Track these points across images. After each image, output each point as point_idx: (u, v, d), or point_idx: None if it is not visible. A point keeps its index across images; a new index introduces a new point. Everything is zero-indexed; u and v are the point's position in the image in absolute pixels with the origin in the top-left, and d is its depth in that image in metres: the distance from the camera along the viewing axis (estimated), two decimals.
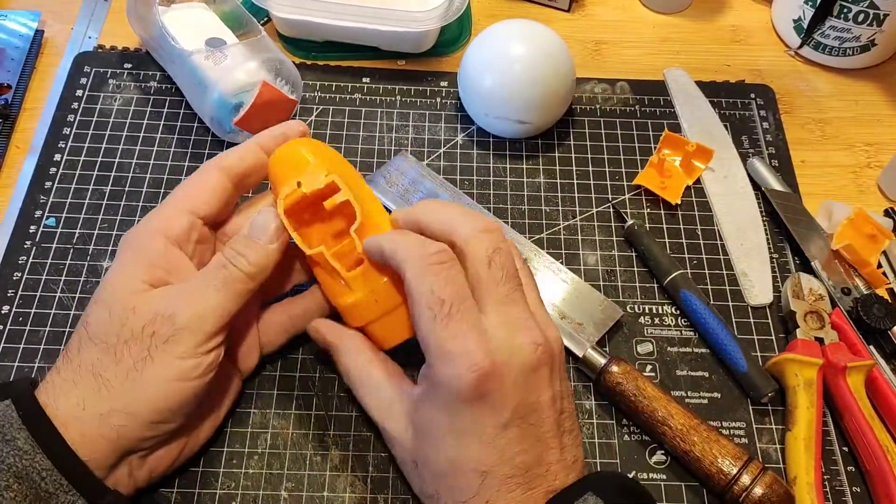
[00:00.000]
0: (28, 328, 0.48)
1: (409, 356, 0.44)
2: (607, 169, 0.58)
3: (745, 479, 0.42)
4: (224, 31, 0.58)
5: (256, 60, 0.54)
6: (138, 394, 0.37)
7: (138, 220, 0.52)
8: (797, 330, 0.49)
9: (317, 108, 0.60)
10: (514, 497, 0.37)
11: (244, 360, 0.45)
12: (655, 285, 0.52)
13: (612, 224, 0.55)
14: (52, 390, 0.38)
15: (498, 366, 0.36)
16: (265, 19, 0.64)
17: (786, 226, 0.54)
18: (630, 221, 0.54)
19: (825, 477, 0.46)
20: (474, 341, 0.36)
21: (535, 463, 0.37)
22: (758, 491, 0.42)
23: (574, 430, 0.40)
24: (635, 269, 0.53)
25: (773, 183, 0.56)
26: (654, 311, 0.51)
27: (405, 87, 0.61)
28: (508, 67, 0.54)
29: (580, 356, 0.48)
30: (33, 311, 0.48)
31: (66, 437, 0.36)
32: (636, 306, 0.51)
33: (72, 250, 0.52)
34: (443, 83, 0.62)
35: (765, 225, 0.55)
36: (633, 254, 0.54)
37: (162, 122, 0.58)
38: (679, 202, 0.55)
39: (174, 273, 0.40)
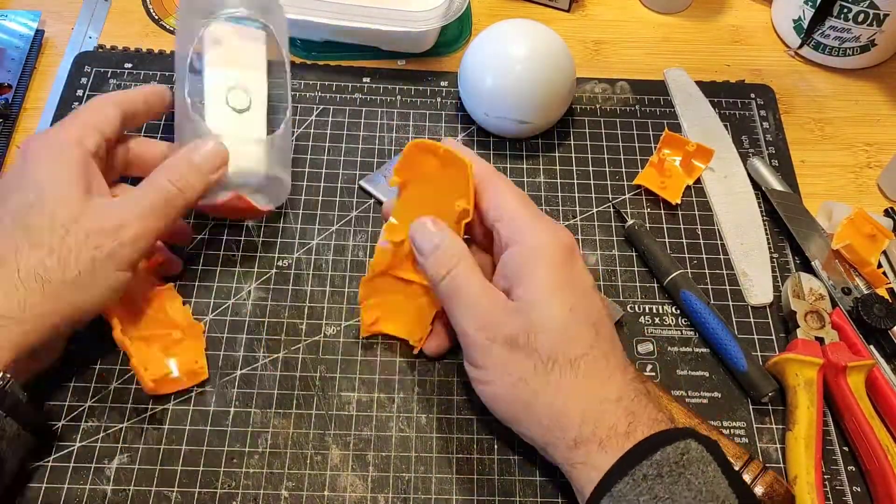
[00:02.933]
0: None
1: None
2: (607, 169, 0.58)
3: (746, 478, 0.42)
4: (258, 76, 0.52)
5: (249, 161, 0.48)
6: (84, 297, 0.41)
7: None
8: (797, 330, 0.49)
9: (317, 108, 0.60)
10: (619, 358, 0.40)
11: (49, 355, 0.46)
12: (655, 285, 0.52)
13: (613, 224, 0.55)
14: None
15: (572, 240, 0.43)
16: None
17: (786, 226, 0.54)
18: (630, 221, 0.54)
19: (825, 476, 0.45)
20: (554, 224, 0.43)
21: (607, 321, 0.42)
22: (759, 490, 0.42)
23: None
24: (635, 268, 0.53)
25: (774, 183, 0.56)
26: (655, 310, 0.51)
27: (405, 87, 0.61)
28: (509, 67, 0.54)
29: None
30: None
31: (3, 340, 0.38)
32: (636, 306, 0.51)
33: None
34: (443, 83, 0.62)
35: (765, 225, 0.55)
36: (633, 254, 0.54)
37: (162, 122, 0.58)
38: (679, 202, 0.55)
39: (95, 184, 0.43)
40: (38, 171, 0.42)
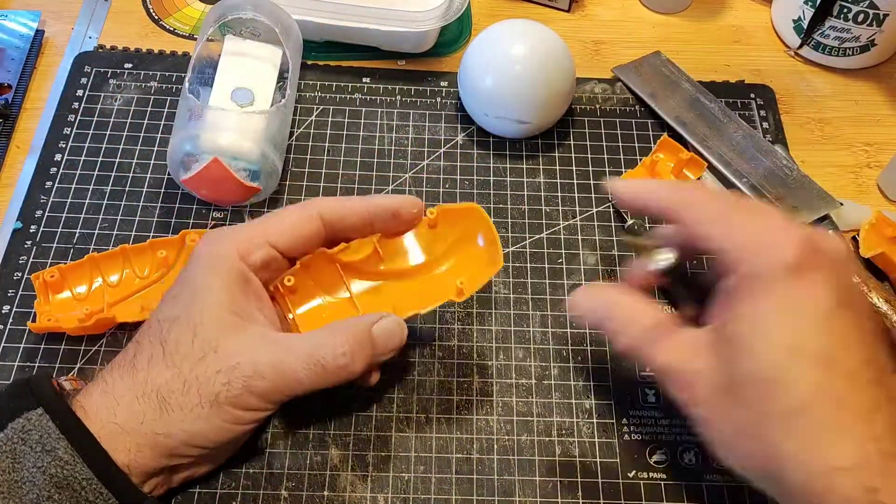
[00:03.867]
0: (28, 326, 0.48)
1: None
2: (607, 169, 0.58)
3: None
4: (267, 84, 0.54)
5: (242, 136, 0.50)
6: (196, 427, 0.38)
7: (138, 221, 0.53)
8: None
9: (317, 108, 0.60)
10: (870, 395, 0.31)
11: None
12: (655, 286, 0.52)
13: (612, 224, 0.55)
14: (112, 395, 0.38)
15: (811, 240, 0.34)
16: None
17: None
18: (630, 221, 0.54)
19: None
20: (780, 220, 0.34)
21: (871, 361, 0.32)
22: None
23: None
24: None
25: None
26: None
27: (405, 87, 0.61)
28: (508, 67, 0.54)
29: None
30: (34, 310, 0.48)
31: (114, 443, 0.37)
32: None
33: (72, 250, 0.52)
34: (443, 83, 0.62)
35: None
36: (633, 254, 0.54)
37: (162, 122, 0.58)
38: None
39: (255, 305, 0.40)
40: (194, 278, 0.40)
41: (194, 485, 0.43)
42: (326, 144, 0.58)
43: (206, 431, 0.38)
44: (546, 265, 0.53)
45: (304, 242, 0.42)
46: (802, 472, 0.31)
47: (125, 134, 0.57)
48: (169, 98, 0.59)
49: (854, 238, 0.54)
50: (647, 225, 0.55)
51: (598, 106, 0.61)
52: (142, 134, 0.57)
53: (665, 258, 0.38)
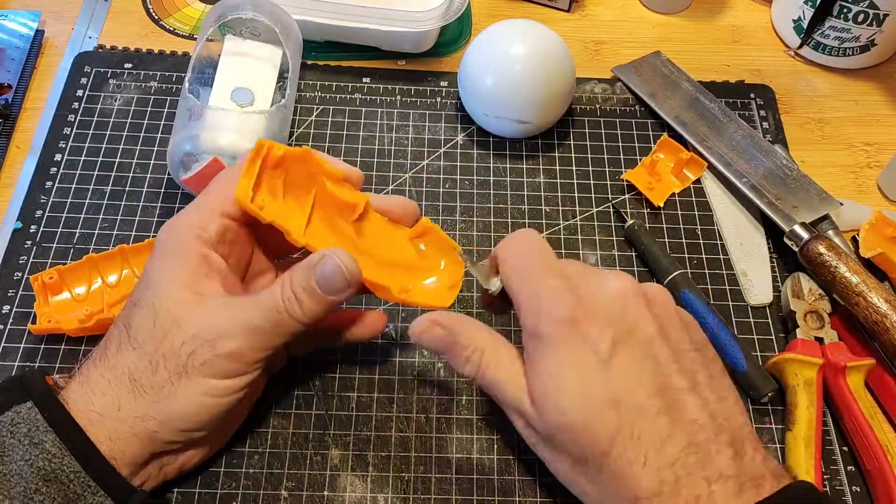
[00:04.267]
0: (28, 328, 0.48)
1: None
2: (607, 169, 0.58)
3: None
4: (267, 85, 0.54)
5: (242, 135, 0.50)
6: (171, 405, 0.38)
7: (138, 221, 0.53)
8: (797, 329, 0.49)
9: (317, 108, 0.60)
10: (660, 426, 0.34)
11: (272, 363, 0.44)
12: None
13: (612, 224, 0.55)
14: (88, 385, 0.38)
15: (584, 297, 0.36)
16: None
17: None
18: (630, 221, 0.54)
19: (825, 476, 0.46)
20: (557, 279, 0.37)
21: (664, 388, 0.35)
22: None
23: (716, 387, 0.36)
24: (635, 268, 0.53)
25: None
26: None
27: (405, 87, 0.61)
28: (508, 67, 0.54)
29: (786, 230, 0.52)
30: (34, 310, 0.48)
31: (96, 433, 0.37)
32: None
33: (72, 250, 0.52)
34: (443, 83, 0.62)
35: (765, 225, 0.55)
36: (634, 253, 0.54)
37: (162, 122, 0.58)
38: (662, 205, 0.55)
39: (213, 277, 0.40)
40: (154, 266, 0.40)
41: (194, 485, 0.43)
42: (326, 144, 0.58)
43: (184, 409, 0.38)
44: None
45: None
46: None
47: (125, 134, 0.57)
48: (169, 98, 0.59)
49: (854, 238, 0.54)
50: (647, 226, 0.55)
51: (598, 106, 0.61)
52: (142, 134, 0.57)
53: (496, 284, 0.41)
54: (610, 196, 0.56)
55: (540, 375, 0.36)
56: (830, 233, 0.53)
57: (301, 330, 0.39)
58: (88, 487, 0.36)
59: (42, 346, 0.48)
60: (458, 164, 0.57)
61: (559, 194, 0.56)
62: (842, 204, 0.55)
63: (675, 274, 0.51)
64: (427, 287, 0.44)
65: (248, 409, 0.44)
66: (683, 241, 0.54)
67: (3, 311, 0.49)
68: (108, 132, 0.57)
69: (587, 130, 0.60)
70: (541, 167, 0.58)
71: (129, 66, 0.61)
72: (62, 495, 0.35)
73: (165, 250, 0.40)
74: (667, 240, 0.54)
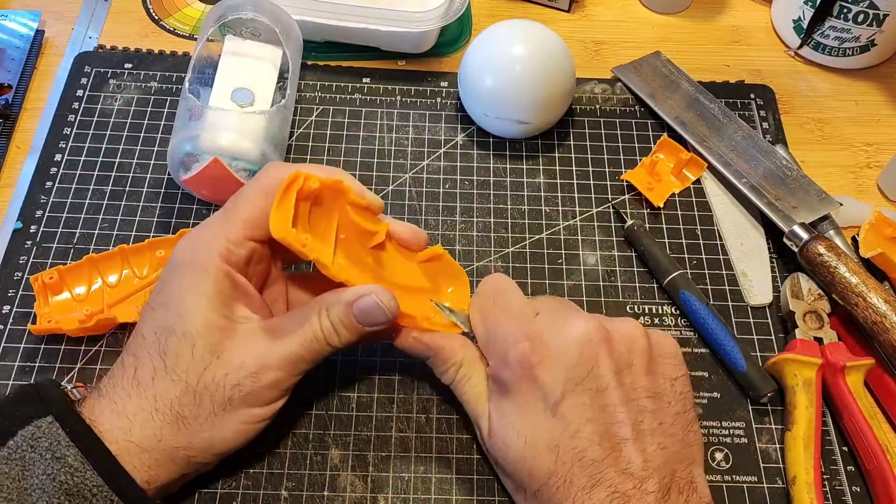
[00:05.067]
0: (28, 328, 0.48)
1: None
2: (607, 169, 0.58)
3: None
4: (267, 85, 0.54)
5: (242, 136, 0.50)
6: (214, 434, 0.39)
7: (138, 221, 0.53)
8: (796, 330, 0.49)
9: (317, 108, 0.60)
10: (591, 473, 0.37)
11: None
12: (655, 285, 0.52)
13: (612, 224, 0.55)
14: (124, 416, 0.38)
15: (544, 341, 0.39)
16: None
17: None
18: (630, 222, 0.54)
19: (825, 477, 0.46)
20: (515, 323, 0.40)
21: (605, 435, 0.37)
22: None
23: (660, 434, 0.38)
24: (635, 268, 0.53)
25: None
26: (654, 311, 0.51)
27: (405, 87, 0.61)
28: (508, 67, 0.54)
29: (786, 231, 0.52)
30: (34, 310, 0.48)
31: (131, 461, 0.37)
32: (636, 306, 0.52)
33: (72, 250, 0.52)
34: (443, 83, 0.62)
35: (765, 225, 0.55)
36: (633, 254, 0.54)
37: (162, 122, 0.58)
38: (662, 206, 0.55)
39: (240, 299, 0.40)
40: (181, 288, 0.40)
41: (194, 485, 0.43)
42: (326, 144, 0.58)
43: (225, 436, 0.39)
44: (546, 265, 0.53)
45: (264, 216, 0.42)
46: None
47: (125, 134, 0.57)
48: (169, 98, 0.59)
49: (854, 238, 0.54)
50: (647, 226, 0.55)
51: (598, 106, 0.61)
52: (142, 134, 0.57)
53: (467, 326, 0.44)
54: (610, 196, 0.56)
55: (496, 408, 0.40)
56: (831, 232, 0.53)
57: (330, 353, 0.41)
58: (111, 502, 0.36)
59: (42, 346, 0.48)
60: (458, 164, 0.57)
61: (559, 194, 0.56)
62: (841, 204, 0.55)
63: (674, 274, 0.51)
64: (434, 316, 0.44)
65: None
66: (683, 241, 0.54)
67: (3, 311, 0.49)
68: (108, 132, 0.57)
69: (587, 130, 0.60)
70: (541, 167, 0.58)
71: (129, 66, 0.61)
72: None
73: (190, 270, 0.40)
74: (666, 240, 0.54)
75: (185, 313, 0.39)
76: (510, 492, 0.42)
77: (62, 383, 0.40)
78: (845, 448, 0.47)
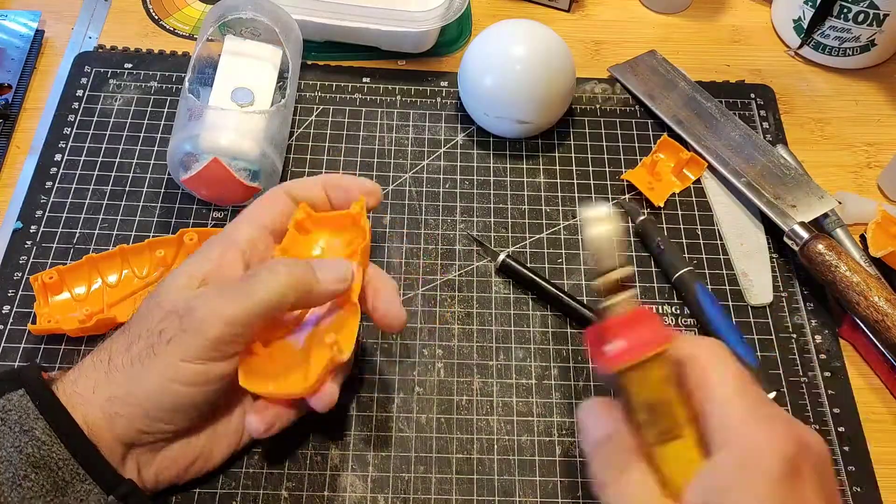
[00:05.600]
0: (28, 328, 0.48)
1: None
2: (607, 169, 0.58)
3: None
4: (267, 85, 0.55)
5: (242, 136, 0.50)
6: (136, 386, 0.38)
7: (138, 221, 0.53)
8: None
9: (317, 108, 0.60)
10: None
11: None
12: (656, 284, 0.52)
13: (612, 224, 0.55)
14: (80, 369, 0.39)
15: (805, 442, 0.32)
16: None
17: None
18: (643, 216, 0.54)
19: None
20: (782, 417, 0.33)
21: None
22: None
23: None
24: (635, 267, 0.53)
25: None
26: (655, 310, 0.51)
27: (405, 87, 0.61)
28: (509, 67, 0.54)
29: (786, 230, 0.52)
30: (33, 310, 0.48)
31: (76, 417, 0.37)
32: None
33: (72, 250, 0.52)
34: (443, 83, 0.62)
35: (765, 225, 0.55)
36: (633, 254, 0.54)
37: (162, 122, 0.58)
38: (662, 205, 0.55)
39: (224, 273, 0.40)
40: (172, 272, 0.41)
41: (194, 484, 0.43)
42: (326, 144, 0.58)
43: (149, 391, 0.37)
44: (546, 265, 0.53)
45: (281, 213, 0.43)
46: None
47: (125, 134, 0.57)
48: (169, 98, 0.59)
49: (862, 236, 0.54)
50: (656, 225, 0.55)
51: (598, 106, 0.61)
52: (142, 134, 0.57)
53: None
54: (610, 196, 0.56)
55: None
56: (838, 230, 0.53)
57: (278, 311, 0.38)
58: (77, 475, 0.36)
59: (42, 346, 0.48)
60: (458, 164, 0.57)
61: (559, 194, 0.56)
62: (840, 202, 0.55)
63: (686, 269, 0.51)
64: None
65: (246, 438, 0.43)
66: (683, 241, 0.54)
67: (3, 311, 0.49)
68: (108, 132, 0.57)
69: (587, 130, 0.60)
70: (541, 167, 0.58)
71: (129, 66, 0.61)
72: (51, 482, 0.35)
73: (197, 252, 0.42)
74: (667, 240, 0.54)
75: (163, 283, 0.40)
76: None
77: (49, 371, 0.40)
78: (846, 448, 0.47)
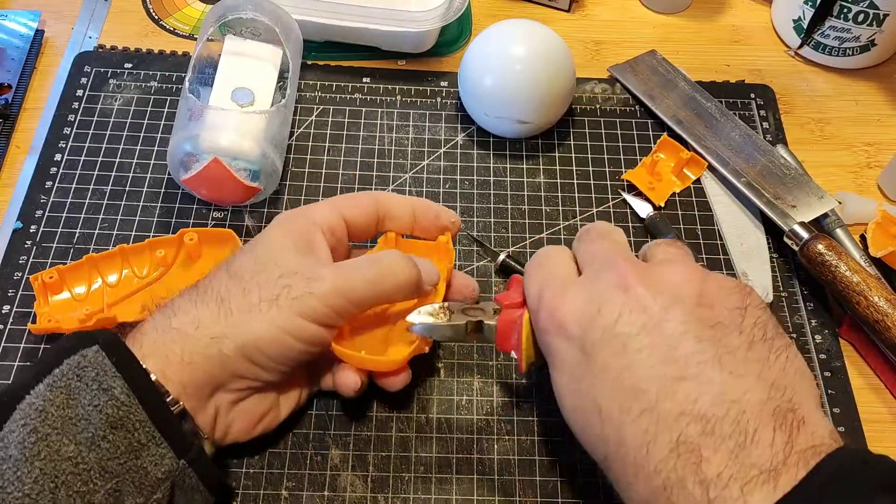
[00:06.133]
0: (28, 328, 0.48)
1: None
2: (607, 169, 0.58)
3: None
4: (267, 85, 0.55)
5: (242, 136, 0.50)
6: (252, 328, 0.39)
7: (138, 221, 0.53)
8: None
9: (317, 108, 0.60)
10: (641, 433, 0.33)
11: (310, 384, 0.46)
12: None
13: (612, 224, 0.55)
14: (170, 307, 0.40)
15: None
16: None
17: None
18: (652, 212, 0.54)
19: None
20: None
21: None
22: None
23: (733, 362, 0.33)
24: None
25: None
26: None
27: (405, 87, 0.61)
28: (509, 67, 0.54)
29: (786, 230, 0.52)
30: (34, 310, 0.48)
31: (168, 354, 0.38)
32: None
33: (72, 250, 0.52)
34: (443, 83, 0.62)
35: (765, 225, 0.55)
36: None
37: (162, 122, 0.58)
38: (663, 205, 0.55)
39: (316, 252, 0.41)
40: (265, 234, 0.42)
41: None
42: (326, 144, 0.58)
43: (261, 336, 0.38)
44: None
45: (365, 215, 0.45)
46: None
47: (125, 134, 0.57)
48: (169, 98, 0.59)
49: (862, 236, 0.54)
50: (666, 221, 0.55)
51: (598, 106, 0.61)
52: (142, 134, 0.57)
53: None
54: (610, 196, 0.56)
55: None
56: (838, 231, 0.53)
57: (390, 297, 0.42)
58: (153, 438, 0.36)
59: (42, 346, 0.48)
60: (458, 164, 0.57)
61: (559, 194, 0.56)
62: (840, 202, 0.55)
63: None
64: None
65: (307, 396, 0.45)
66: (684, 240, 0.54)
67: (3, 311, 0.49)
68: (108, 132, 0.57)
69: (587, 130, 0.60)
70: (541, 167, 0.58)
71: (129, 66, 0.61)
72: (126, 443, 0.35)
73: (275, 226, 0.43)
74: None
75: (261, 244, 0.42)
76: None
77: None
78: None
